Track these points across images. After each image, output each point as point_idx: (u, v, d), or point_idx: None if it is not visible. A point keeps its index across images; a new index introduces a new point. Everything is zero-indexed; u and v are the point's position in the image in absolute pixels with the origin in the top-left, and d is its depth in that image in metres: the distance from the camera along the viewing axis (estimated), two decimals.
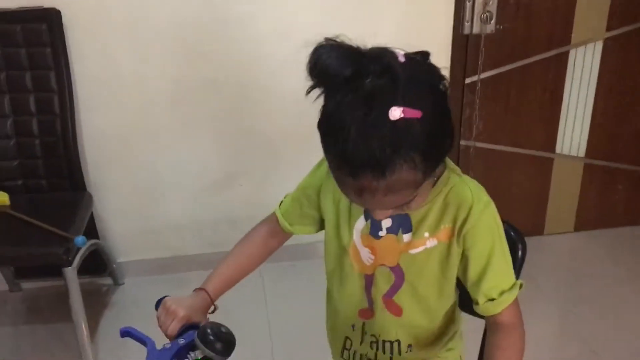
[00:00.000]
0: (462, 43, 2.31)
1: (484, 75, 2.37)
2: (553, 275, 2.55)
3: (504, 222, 1.17)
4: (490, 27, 2.28)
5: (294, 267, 2.45)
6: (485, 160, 2.54)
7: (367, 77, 0.77)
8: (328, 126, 0.81)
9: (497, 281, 0.99)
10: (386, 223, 1.01)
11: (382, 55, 0.78)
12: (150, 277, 2.49)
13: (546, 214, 2.70)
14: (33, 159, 2.13)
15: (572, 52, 2.40)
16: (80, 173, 2.18)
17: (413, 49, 2.52)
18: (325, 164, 1.09)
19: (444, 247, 1.00)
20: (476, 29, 2.27)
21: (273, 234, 1.16)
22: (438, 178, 0.97)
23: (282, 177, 2.35)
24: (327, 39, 0.79)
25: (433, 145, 0.80)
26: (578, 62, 2.42)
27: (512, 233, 1.15)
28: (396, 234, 1.01)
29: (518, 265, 1.15)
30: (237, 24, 2.17)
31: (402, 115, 0.75)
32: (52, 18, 2.01)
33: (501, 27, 2.29)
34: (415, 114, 0.76)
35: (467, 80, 2.38)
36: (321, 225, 1.13)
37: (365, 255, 1.05)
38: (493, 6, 2.25)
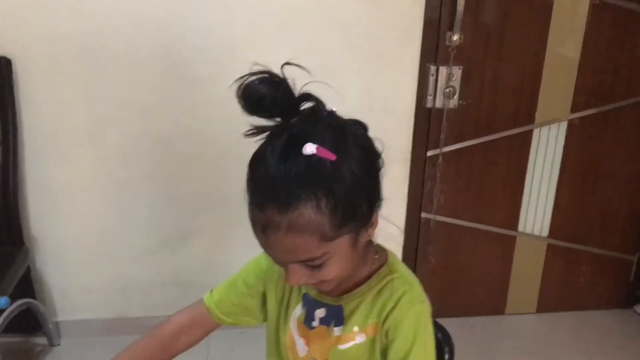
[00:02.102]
0: (424, 116, 2.29)
1: (446, 149, 2.33)
2: (513, 357, 2.45)
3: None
4: (454, 102, 2.26)
5: (243, 335, 2.33)
6: (447, 234, 2.48)
7: (295, 115, 0.81)
8: (251, 159, 0.82)
9: None
10: (320, 313, 0.97)
11: (312, 99, 0.82)
12: (90, 339, 2.36)
13: (508, 293, 2.62)
14: None
15: (536, 131, 2.38)
16: (18, 227, 2.09)
17: (376, 119, 2.48)
18: (265, 257, 1.01)
19: (373, 344, 0.94)
20: (439, 103, 2.25)
21: (192, 327, 1.06)
22: (374, 272, 0.95)
23: (235, 240, 2.28)
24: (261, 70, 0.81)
25: (344, 195, 0.79)
26: (542, 141, 2.40)
27: (438, 334, 1.08)
28: (328, 326, 0.96)
29: None
30: (197, 85, 2.13)
31: (315, 152, 0.77)
32: (1, 67, 1.96)
33: (464, 102, 2.27)
34: (329, 155, 0.77)
35: (429, 153, 2.34)
36: (262, 318, 1.07)
37: (301, 345, 1.00)
38: (456, 82, 2.23)
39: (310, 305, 0.98)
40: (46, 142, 2.12)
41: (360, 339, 0.94)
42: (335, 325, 0.96)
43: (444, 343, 1.09)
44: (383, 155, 2.52)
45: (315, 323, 0.98)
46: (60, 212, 2.21)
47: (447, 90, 2.23)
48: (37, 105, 2.07)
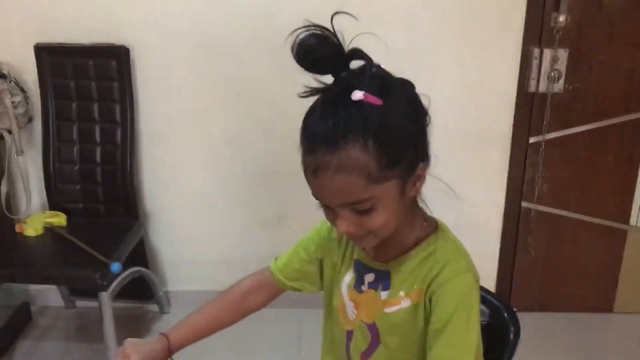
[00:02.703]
0: (526, 101, 2.21)
1: (549, 136, 2.24)
2: (621, 358, 2.32)
3: (500, 301, 1.09)
4: (559, 87, 2.16)
5: None
6: (549, 226, 2.38)
7: (345, 71, 0.86)
8: (306, 113, 0.87)
9: (446, 353, 0.90)
10: (369, 278, 1.00)
11: (361, 55, 0.86)
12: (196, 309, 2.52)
13: (617, 290, 2.47)
14: (94, 185, 2.26)
15: None
16: (134, 202, 2.27)
17: (474, 104, 2.45)
18: (325, 225, 1.08)
19: (416, 309, 0.95)
20: (542, 88, 2.17)
21: (259, 289, 1.14)
22: (422, 240, 0.96)
23: None
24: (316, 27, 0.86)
25: (390, 138, 0.82)
26: None
27: (505, 314, 1.06)
28: (376, 290, 0.99)
29: (509, 351, 1.05)
30: (294, 71, 2.19)
31: (362, 98, 0.81)
32: (121, 55, 2.14)
33: (570, 86, 2.17)
34: (376, 101, 0.82)
35: (531, 140, 2.26)
36: (320, 285, 1.11)
37: (350, 309, 1.03)
38: (562, 65, 2.13)
39: (360, 271, 1.01)
40: (159, 124, 2.29)
41: (405, 303, 0.95)
42: (382, 290, 0.98)
43: (510, 323, 1.07)
44: (483, 140, 2.46)
45: (364, 287, 1.00)
46: (171, 189, 2.39)
47: (552, 74, 2.14)
48: (151, 91, 2.25)
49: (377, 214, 0.86)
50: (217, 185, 2.38)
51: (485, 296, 1.10)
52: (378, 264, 0.99)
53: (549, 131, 2.23)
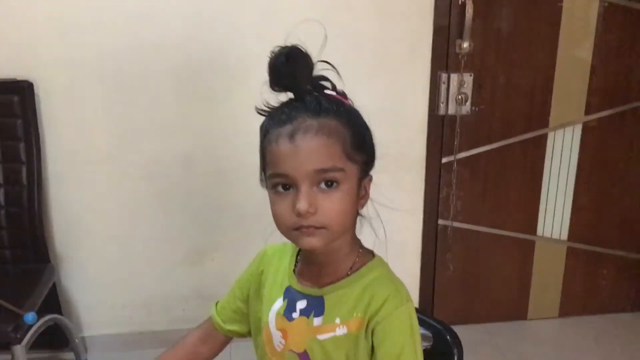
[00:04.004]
0: (438, 123, 2.30)
1: (460, 155, 2.34)
2: None
3: (439, 322, 1.12)
4: (466, 109, 2.27)
5: None
6: (465, 241, 2.48)
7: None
8: (277, 108, 0.91)
9: None
10: (301, 305, 0.98)
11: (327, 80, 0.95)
12: (115, 354, 2.40)
13: (529, 298, 2.61)
14: None
15: (550, 135, 2.38)
16: (44, 245, 2.14)
17: (390, 128, 2.52)
18: (257, 258, 1.07)
19: (353, 338, 0.94)
20: (452, 110, 2.27)
21: (205, 338, 1.11)
22: (358, 267, 0.96)
23: (254, 254, 2.31)
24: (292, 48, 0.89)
25: (358, 126, 0.92)
26: (557, 145, 2.40)
27: (447, 337, 1.09)
28: (308, 316, 0.97)
29: None
30: (213, 102, 2.18)
31: (334, 94, 0.93)
32: (24, 90, 2.03)
33: (477, 108, 2.29)
34: (345, 99, 0.94)
35: (444, 160, 2.35)
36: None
37: (277, 339, 1.00)
38: (468, 88, 2.25)
39: (292, 297, 0.99)
40: (68, 161, 2.18)
41: (340, 331, 0.94)
42: (315, 316, 0.96)
43: (452, 345, 1.10)
44: (399, 163, 2.53)
45: (295, 314, 0.98)
46: (84, 229, 2.27)
47: (459, 97, 2.25)
48: (59, 127, 2.14)
49: (339, 196, 0.87)
50: (133, 223, 2.29)
51: (427, 320, 1.12)
52: (311, 290, 0.97)
53: (459, 151, 2.33)
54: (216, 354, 1.12)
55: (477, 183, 2.41)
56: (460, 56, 2.20)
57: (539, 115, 2.34)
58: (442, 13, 2.17)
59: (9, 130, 2.06)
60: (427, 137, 2.33)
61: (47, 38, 2.04)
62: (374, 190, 2.35)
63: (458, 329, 2.48)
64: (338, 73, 0.95)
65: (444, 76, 2.23)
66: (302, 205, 0.85)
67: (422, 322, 1.14)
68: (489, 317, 2.58)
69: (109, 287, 2.35)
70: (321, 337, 0.95)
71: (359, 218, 0.98)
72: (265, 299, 1.03)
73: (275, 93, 0.90)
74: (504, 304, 2.59)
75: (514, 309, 2.61)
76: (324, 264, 0.96)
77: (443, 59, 2.22)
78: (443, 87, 2.24)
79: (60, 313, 2.24)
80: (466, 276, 2.53)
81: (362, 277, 0.95)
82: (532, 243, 2.53)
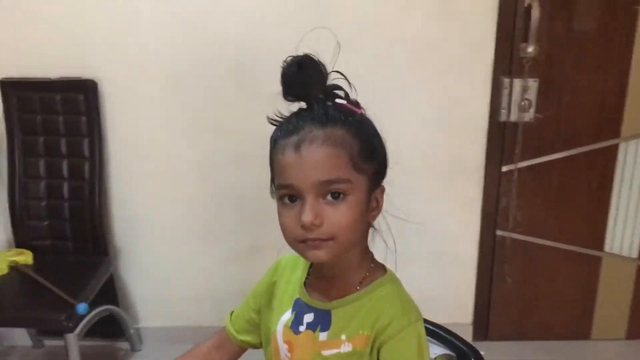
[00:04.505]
0: (498, 130, 2.21)
1: (522, 164, 2.24)
2: None
3: (463, 341, 1.08)
4: (529, 116, 2.17)
5: None
6: (524, 254, 2.37)
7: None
8: (286, 118, 0.91)
9: None
10: (308, 318, 0.95)
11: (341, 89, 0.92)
12: (169, 346, 2.45)
13: (593, 318, 2.46)
14: (61, 221, 2.21)
15: (622, 145, 2.23)
16: (103, 238, 2.22)
17: (446, 135, 2.44)
18: (272, 268, 1.04)
19: (358, 356, 0.91)
20: (514, 117, 2.17)
21: (218, 347, 1.10)
22: (368, 282, 0.94)
23: None
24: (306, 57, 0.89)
25: (368, 137, 0.90)
26: (630, 156, 2.25)
27: (472, 358, 1.04)
28: (314, 331, 0.94)
29: None
30: (268, 101, 2.18)
31: (345, 103, 0.90)
32: (88, 89, 2.11)
33: (541, 115, 2.17)
34: (356, 109, 0.91)
35: (504, 169, 2.26)
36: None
37: (283, 352, 0.99)
38: (532, 94, 2.14)
39: (300, 310, 0.97)
40: (129, 158, 2.26)
41: (345, 348, 0.91)
42: (321, 330, 0.93)
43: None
44: (456, 171, 2.46)
45: (302, 328, 0.96)
46: (142, 224, 2.34)
47: (523, 103, 2.15)
48: (120, 124, 2.21)
49: (345, 207, 0.85)
50: (188, 219, 2.34)
51: (451, 340, 1.08)
52: (319, 303, 0.95)
53: (521, 160, 2.23)
54: None
55: (539, 193, 2.30)
56: (524, 60, 2.10)
57: (609, 125, 2.21)
58: (506, 14, 2.08)
59: (74, 126, 2.15)
60: (486, 144, 2.24)
61: (110, 38, 2.11)
62: (428, 197, 2.29)
63: (514, 345, 2.43)
64: (350, 83, 0.92)
65: (506, 81, 2.14)
66: (306, 217, 0.84)
67: (445, 341, 1.09)
68: (549, 334, 2.46)
69: (163, 280, 2.42)
70: (326, 352, 0.93)
71: (370, 230, 0.95)
72: (275, 310, 1.01)
73: (288, 103, 0.88)
74: (566, 321, 2.46)
75: (577, 327, 2.47)
76: (332, 277, 0.93)
77: (506, 63, 2.13)
78: (505, 92, 2.15)
79: (116, 304, 2.32)
80: (525, 290, 2.42)
81: (371, 292, 0.92)
82: (599, 259, 2.38)
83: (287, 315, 0.98)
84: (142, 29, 2.11)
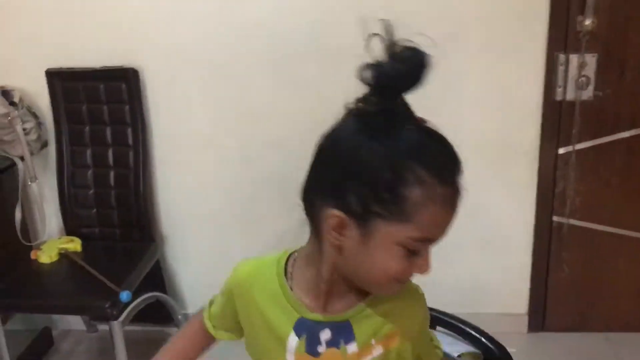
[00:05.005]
0: (554, 110, 2.08)
1: (580, 146, 2.10)
2: None
3: (493, 342, 1.02)
4: (587, 94, 2.03)
5: None
6: (583, 241, 2.24)
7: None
8: (410, 146, 0.75)
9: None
10: (325, 335, 0.87)
11: None
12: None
13: None
14: (108, 209, 2.23)
15: None
16: (148, 225, 2.24)
17: (499, 112, 2.32)
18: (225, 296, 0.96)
19: (389, 355, 0.87)
20: (570, 95, 2.04)
21: (202, 331, 1.02)
22: None
23: None
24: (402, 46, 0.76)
25: None
26: None
27: (496, 352, 0.98)
28: (338, 347, 0.86)
29: None
30: (306, 88, 2.14)
31: None
32: (130, 77, 2.11)
33: (601, 93, 2.03)
34: None
35: (561, 151, 2.12)
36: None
37: None
38: (591, 70, 2.00)
39: (311, 330, 0.87)
40: (172, 145, 2.26)
41: (377, 351, 0.86)
42: (347, 343, 0.86)
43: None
44: (509, 152, 2.34)
45: (321, 348, 0.86)
46: (187, 211, 2.35)
47: (580, 80, 2.01)
48: (162, 112, 2.21)
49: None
50: (230, 206, 2.33)
51: (477, 337, 1.01)
52: (333, 316, 0.86)
53: (579, 141, 2.09)
54: (208, 347, 1.04)
55: (599, 177, 2.15)
56: (581, 34, 1.96)
57: None
58: None
59: (118, 115, 2.16)
60: (541, 125, 2.11)
61: (150, 27, 2.11)
62: (479, 180, 2.16)
63: (574, 337, 2.31)
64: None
65: (562, 57, 2.00)
66: (430, 266, 0.79)
67: (471, 338, 1.03)
68: (610, 325, 2.32)
69: (209, 266, 2.39)
70: None
71: None
72: (265, 340, 0.90)
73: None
74: (628, 312, 2.31)
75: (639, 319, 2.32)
76: (347, 289, 0.85)
77: (561, 37, 2.00)
78: (561, 69, 2.01)
79: (164, 290, 2.34)
80: (584, 279, 2.29)
81: None
82: None
83: (294, 341, 0.87)
84: (183, 18, 2.10)
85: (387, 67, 0.74)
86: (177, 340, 1.05)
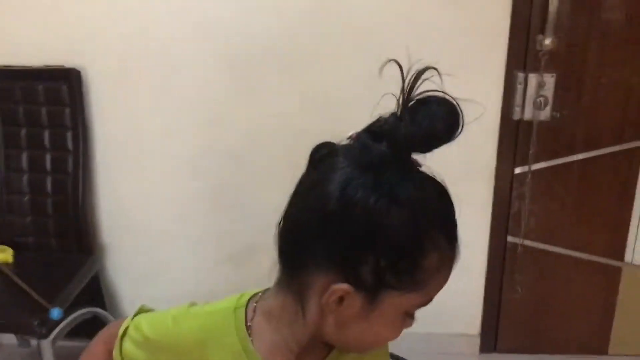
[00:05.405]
0: (511, 129, 2.04)
1: (536, 166, 2.07)
2: None
3: None
4: (545, 114, 2.00)
5: None
6: (537, 262, 2.21)
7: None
8: (417, 207, 0.67)
9: None
10: None
11: None
12: None
13: (611, 332, 2.29)
14: (44, 218, 2.09)
15: None
16: (87, 235, 2.11)
17: None
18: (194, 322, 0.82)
19: None
20: (528, 115, 2.00)
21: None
22: None
23: None
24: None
25: None
26: None
27: None
28: None
29: None
30: (265, 96, 2.05)
31: None
32: (72, 78, 1.99)
33: (558, 114, 2.00)
34: None
35: (517, 170, 2.09)
36: None
37: None
38: (549, 91, 1.97)
39: None
40: (117, 152, 2.14)
41: None
42: None
43: None
44: (465, 172, 2.30)
45: None
46: (130, 221, 2.22)
47: (538, 100, 1.98)
48: (108, 116, 2.09)
49: None
50: (180, 218, 2.21)
51: None
52: None
53: (536, 161, 2.06)
54: None
55: (555, 198, 2.13)
56: (541, 54, 1.93)
57: (633, 125, 2.02)
58: (522, 3, 1.91)
59: (57, 118, 2.03)
60: (498, 144, 2.07)
61: (96, 25, 1.99)
62: None
63: (525, 358, 2.26)
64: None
65: (520, 76, 1.96)
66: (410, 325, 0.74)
67: None
68: (562, 349, 2.29)
69: (153, 281, 2.30)
70: None
71: None
72: None
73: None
74: (581, 335, 2.29)
75: (593, 342, 2.30)
76: (323, 342, 0.77)
77: (521, 56, 1.96)
78: (519, 88, 1.98)
79: (102, 304, 2.21)
80: (537, 301, 2.26)
81: None
82: (619, 270, 2.20)
83: None
84: (131, 15, 1.98)
85: (414, 128, 0.65)
86: None
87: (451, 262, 0.71)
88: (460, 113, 0.67)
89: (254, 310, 0.78)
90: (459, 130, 0.67)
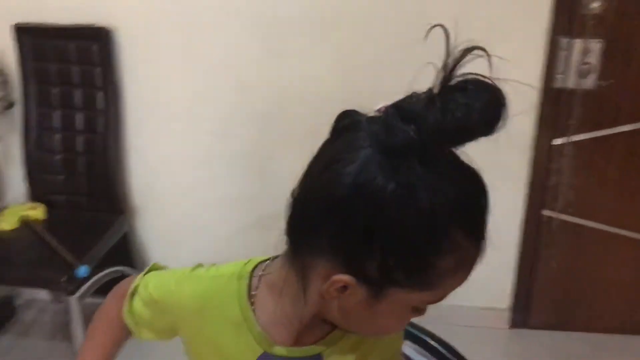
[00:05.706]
0: (552, 98, 1.95)
1: (577, 137, 1.98)
2: None
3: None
4: (590, 83, 1.90)
5: None
6: (573, 238, 2.13)
7: None
8: (445, 202, 0.60)
9: None
10: None
11: None
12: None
13: None
14: (76, 176, 2.11)
15: None
16: (117, 195, 2.12)
17: None
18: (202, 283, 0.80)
19: None
20: (571, 83, 1.90)
21: (121, 323, 0.87)
22: None
23: None
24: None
25: None
26: None
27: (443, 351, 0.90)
28: None
29: None
30: (293, 61, 2.00)
31: None
32: (102, 38, 1.97)
33: (604, 83, 1.90)
34: None
35: (556, 142, 2.00)
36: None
37: None
38: (594, 58, 1.87)
39: None
40: (148, 113, 2.13)
41: None
42: None
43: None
44: (500, 140, 2.23)
45: None
46: (160, 183, 2.23)
47: (583, 67, 1.88)
48: (138, 78, 2.08)
49: None
50: (208, 180, 2.20)
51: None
52: (304, 350, 0.75)
53: (577, 132, 1.97)
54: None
55: (595, 171, 2.04)
56: (587, 18, 1.82)
57: None
58: None
59: (89, 77, 2.02)
60: (537, 114, 1.98)
61: None
62: None
63: (556, 336, 2.21)
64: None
65: (564, 42, 1.86)
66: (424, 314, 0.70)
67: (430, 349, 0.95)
68: (596, 326, 2.22)
69: (181, 242, 2.31)
70: None
71: None
72: None
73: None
74: (614, 314, 2.22)
75: (626, 321, 2.22)
76: (322, 321, 0.74)
77: (565, 20, 1.85)
78: (562, 55, 1.88)
79: (132, 264, 2.23)
80: (572, 277, 2.18)
81: None
82: None
83: None
84: None
85: (446, 118, 0.57)
86: (96, 336, 0.91)
87: (472, 262, 0.65)
88: (504, 104, 0.59)
89: (259, 280, 0.76)
90: (500, 124, 0.60)
